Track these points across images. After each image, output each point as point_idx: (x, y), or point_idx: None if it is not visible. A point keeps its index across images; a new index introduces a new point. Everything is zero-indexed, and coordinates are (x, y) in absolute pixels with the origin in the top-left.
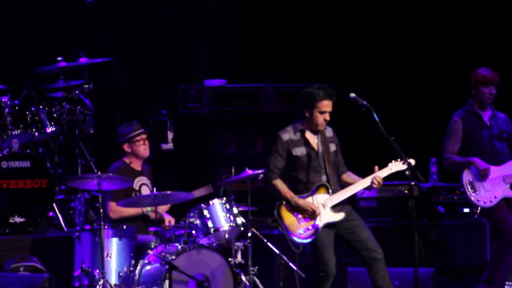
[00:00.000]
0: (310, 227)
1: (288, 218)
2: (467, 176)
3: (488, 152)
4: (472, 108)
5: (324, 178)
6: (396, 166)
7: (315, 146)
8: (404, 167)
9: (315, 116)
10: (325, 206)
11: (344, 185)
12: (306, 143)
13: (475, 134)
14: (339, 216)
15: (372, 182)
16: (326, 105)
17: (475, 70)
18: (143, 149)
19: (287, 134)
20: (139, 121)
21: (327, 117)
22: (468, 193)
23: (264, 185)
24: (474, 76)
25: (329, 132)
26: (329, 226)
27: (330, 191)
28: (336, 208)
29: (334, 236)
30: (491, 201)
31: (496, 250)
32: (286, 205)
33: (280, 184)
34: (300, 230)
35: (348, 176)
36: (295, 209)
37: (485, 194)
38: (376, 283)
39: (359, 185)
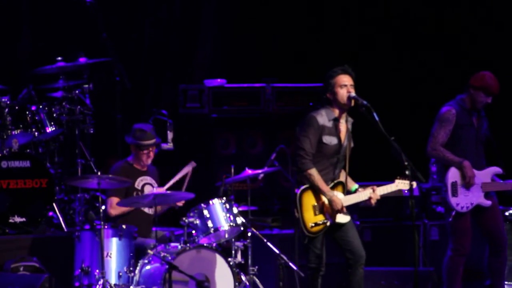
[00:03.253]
0: (321, 222)
1: (307, 207)
2: (454, 177)
3: (471, 152)
4: (464, 104)
5: (339, 174)
6: (399, 185)
7: (342, 139)
8: (406, 187)
9: (338, 92)
10: None
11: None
12: (338, 134)
13: (463, 131)
14: (347, 218)
15: (370, 198)
16: (343, 78)
17: (482, 72)
18: (146, 158)
19: (322, 119)
20: (139, 121)
21: (351, 89)
22: (449, 194)
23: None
24: (481, 79)
25: (350, 124)
26: None
27: (345, 191)
28: (347, 208)
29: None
30: (467, 207)
31: (449, 263)
32: (309, 193)
33: (316, 174)
34: (312, 223)
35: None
36: (321, 200)
37: (463, 198)
38: (351, 284)
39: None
